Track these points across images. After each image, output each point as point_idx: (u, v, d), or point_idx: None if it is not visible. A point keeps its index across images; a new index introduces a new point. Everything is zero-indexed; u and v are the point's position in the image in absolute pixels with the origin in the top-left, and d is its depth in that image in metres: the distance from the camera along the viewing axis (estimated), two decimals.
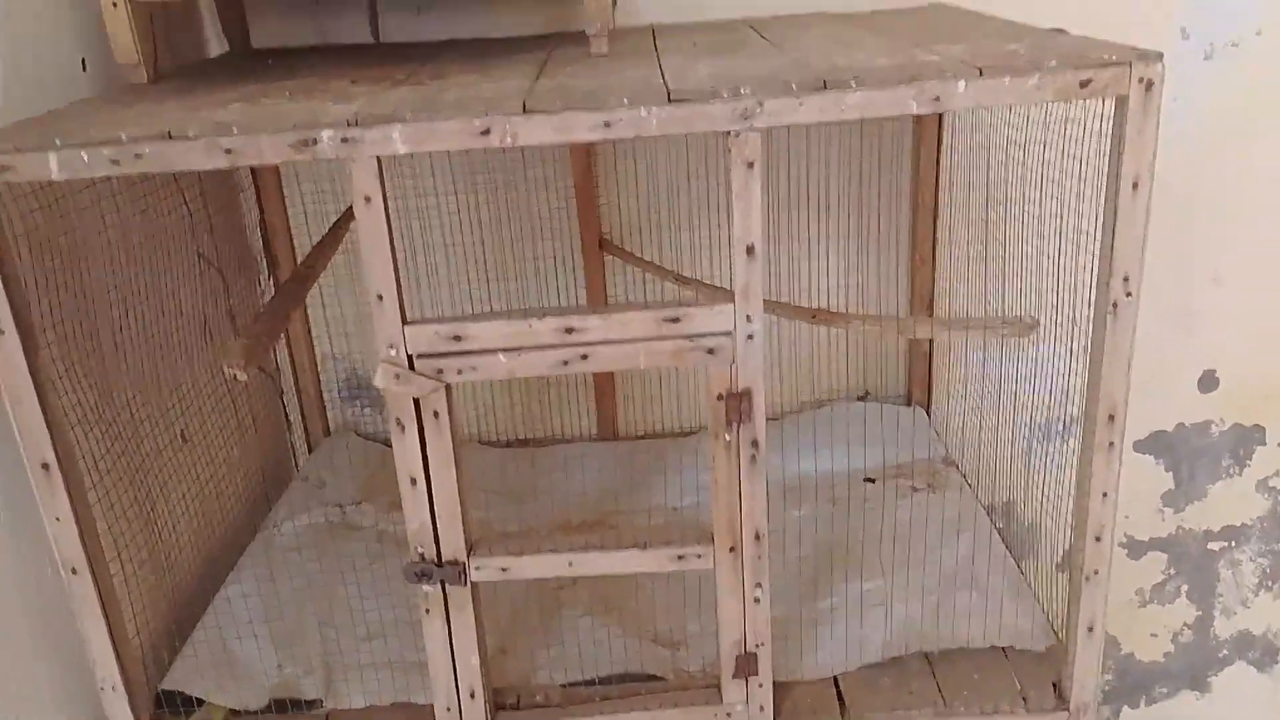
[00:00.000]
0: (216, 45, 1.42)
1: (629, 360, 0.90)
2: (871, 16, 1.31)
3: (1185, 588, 1.79)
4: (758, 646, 1.00)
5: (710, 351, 0.89)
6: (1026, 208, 1.25)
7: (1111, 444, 0.93)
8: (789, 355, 1.61)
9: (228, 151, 0.81)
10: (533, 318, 0.89)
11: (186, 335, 1.27)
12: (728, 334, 0.89)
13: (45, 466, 0.89)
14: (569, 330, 0.88)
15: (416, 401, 0.90)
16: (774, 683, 1.04)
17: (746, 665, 1.01)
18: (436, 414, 0.90)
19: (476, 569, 0.96)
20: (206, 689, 1.08)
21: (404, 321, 0.88)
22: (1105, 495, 0.95)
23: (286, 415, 1.58)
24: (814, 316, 1.18)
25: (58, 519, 0.91)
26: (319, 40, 1.44)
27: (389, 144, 0.82)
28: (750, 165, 0.84)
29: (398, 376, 0.88)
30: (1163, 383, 1.64)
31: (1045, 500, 1.27)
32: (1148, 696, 1.87)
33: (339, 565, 1.25)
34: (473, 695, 1.00)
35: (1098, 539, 0.96)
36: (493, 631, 1.07)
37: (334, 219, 1.35)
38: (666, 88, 0.84)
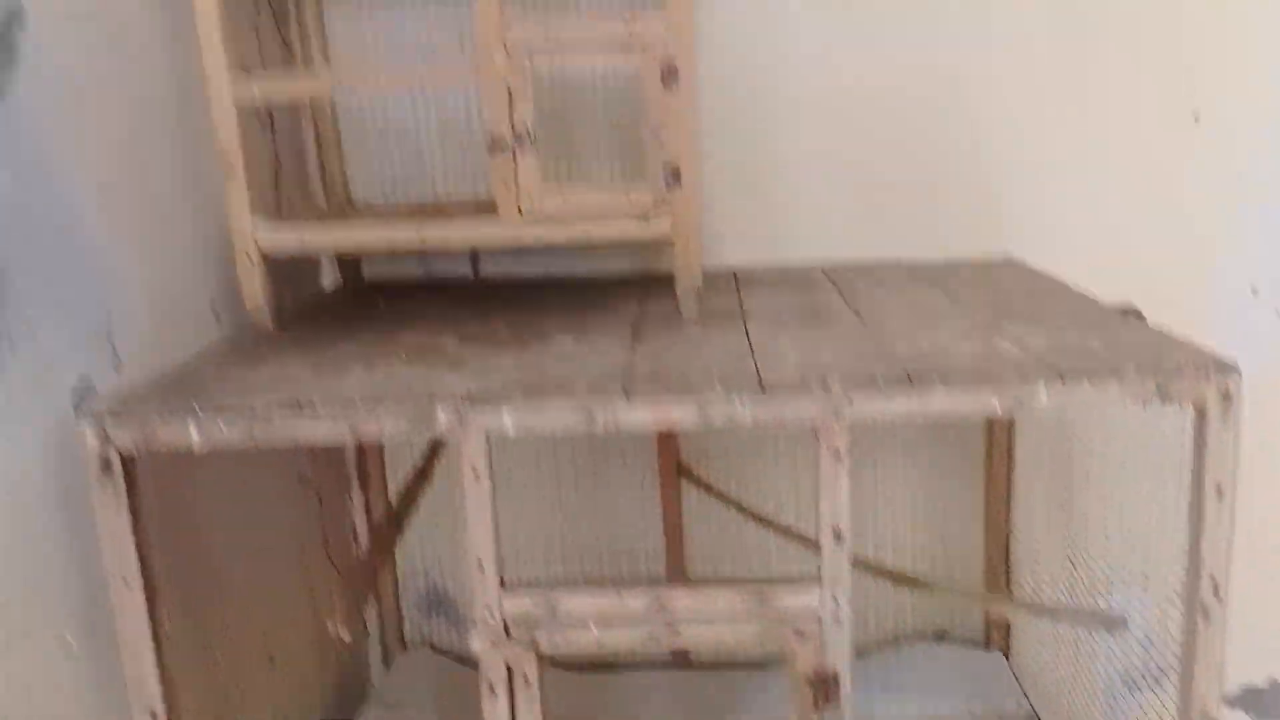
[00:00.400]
0: (330, 275, 1.52)
1: (716, 638, 0.92)
2: (945, 274, 1.37)
3: None
4: None
5: (798, 633, 0.91)
6: (1105, 484, 1.26)
7: None
8: (866, 588, 1.60)
9: (352, 427, 0.88)
10: (623, 589, 0.92)
11: (282, 553, 1.32)
12: (816, 616, 0.91)
13: (152, 715, 0.93)
14: (658, 605, 0.91)
15: (510, 666, 0.92)
16: None
17: None
18: (527, 679, 0.92)
19: None
20: None
21: (501, 586, 0.92)
22: None
23: (365, 627, 1.60)
24: (895, 580, 1.19)
25: None
26: (423, 273, 1.54)
27: (499, 423, 0.88)
28: (838, 454, 0.87)
29: (494, 643, 0.91)
30: (1257, 633, 1.60)
31: None
32: None
33: None
34: None
35: None
36: None
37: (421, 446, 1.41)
38: (759, 375, 0.90)
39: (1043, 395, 0.85)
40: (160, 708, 0.92)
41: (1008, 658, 1.56)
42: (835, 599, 0.90)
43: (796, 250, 1.51)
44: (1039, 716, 1.43)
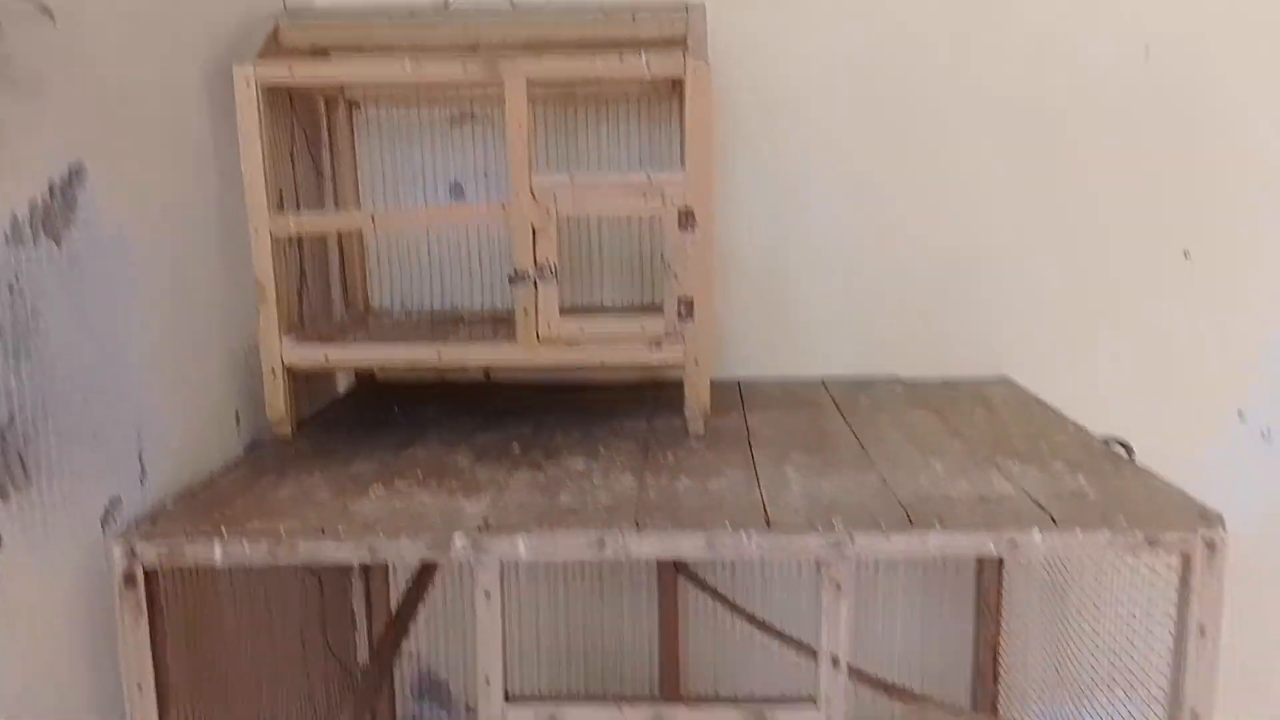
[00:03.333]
0: (344, 380, 1.57)
1: None
2: (942, 394, 1.42)
3: None
4: None
5: None
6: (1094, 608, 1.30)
7: None
8: (861, 698, 1.63)
9: (372, 550, 0.92)
10: (624, 704, 0.95)
11: (286, 648, 1.34)
12: None
13: None
14: (657, 718, 0.94)
15: None
16: None
17: None
18: None
19: None
20: None
21: (506, 699, 0.95)
22: None
23: (350, 690, 1.62)
24: (890, 693, 1.22)
25: None
26: (435, 376, 1.58)
27: (514, 552, 0.92)
28: (839, 588, 0.91)
29: None
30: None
31: None
32: None
33: None
34: None
35: None
36: None
37: None
38: (765, 511, 0.94)
39: (1037, 541, 0.90)
40: None
41: None
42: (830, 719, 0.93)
43: (796, 367, 1.57)
44: None
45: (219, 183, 1.19)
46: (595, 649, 1.63)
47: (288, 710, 1.33)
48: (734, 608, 1.50)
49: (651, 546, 0.92)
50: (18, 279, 0.83)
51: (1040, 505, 0.94)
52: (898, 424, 1.26)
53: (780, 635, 1.42)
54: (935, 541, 0.90)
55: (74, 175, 0.90)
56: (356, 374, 1.56)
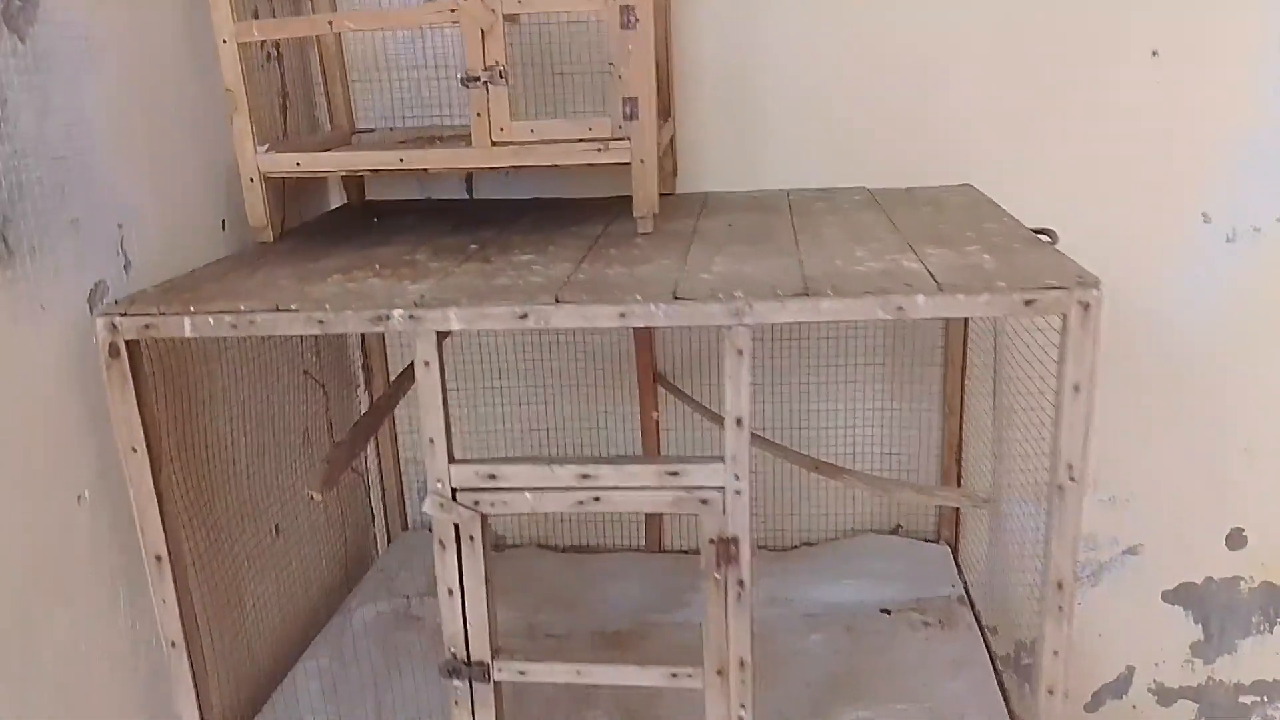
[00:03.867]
0: (338, 197, 1.67)
1: (635, 505, 1.06)
2: (901, 200, 1.46)
3: None
4: None
5: (704, 502, 1.05)
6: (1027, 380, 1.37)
7: (1061, 608, 1.04)
8: (830, 487, 1.74)
9: (320, 323, 1.02)
10: (555, 464, 1.06)
11: (288, 440, 1.49)
12: (719, 489, 1.04)
13: (158, 559, 1.10)
14: (584, 476, 1.06)
15: (456, 526, 1.08)
16: None
17: None
18: (472, 538, 1.08)
19: (499, 670, 1.13)
20: None
21: (450, 461, 1.07)
22: (1056, 653, 1.05)
23: (371, 510, 1.78)
24: (816, 468, 1.32)
25: (164, 601, 1.12)
26: (422, 195, 1.67)
27: (446, 322, 1.02)
28: (740, 353, 1.00)
29: (442, 505, 1.07)
30: (1190, 539, 1.71)
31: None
32: None
33: (398, 654, 1.44)
34: None
35: (1050, 691, 1.06)
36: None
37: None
38: (675, 286, 1.02)
39: (921, 303, 0.97)
40: (164, 552, 1.09)
41: (955, 551, 1.69)
42: (736, 475, 1.03)
43: (768, 179, 1.62)
44: (971, 601, 1.56)
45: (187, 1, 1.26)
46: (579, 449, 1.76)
47: (284, 494, 1.48)
48: (704, 409, 1.60)
49: (569, 318, 1.01)
50: None
51: (933, 276, 1.01)
52: (842, 223, 1.32)
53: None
54: (827, 306, 0.98)
55: None
56: (348, 194, 1.65)
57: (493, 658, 1.13)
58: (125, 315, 1.04)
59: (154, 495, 1.09)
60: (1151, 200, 1.56)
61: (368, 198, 1.67)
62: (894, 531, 1.76)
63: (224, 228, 1.35)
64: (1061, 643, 1.05)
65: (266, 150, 1.31)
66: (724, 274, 1.07)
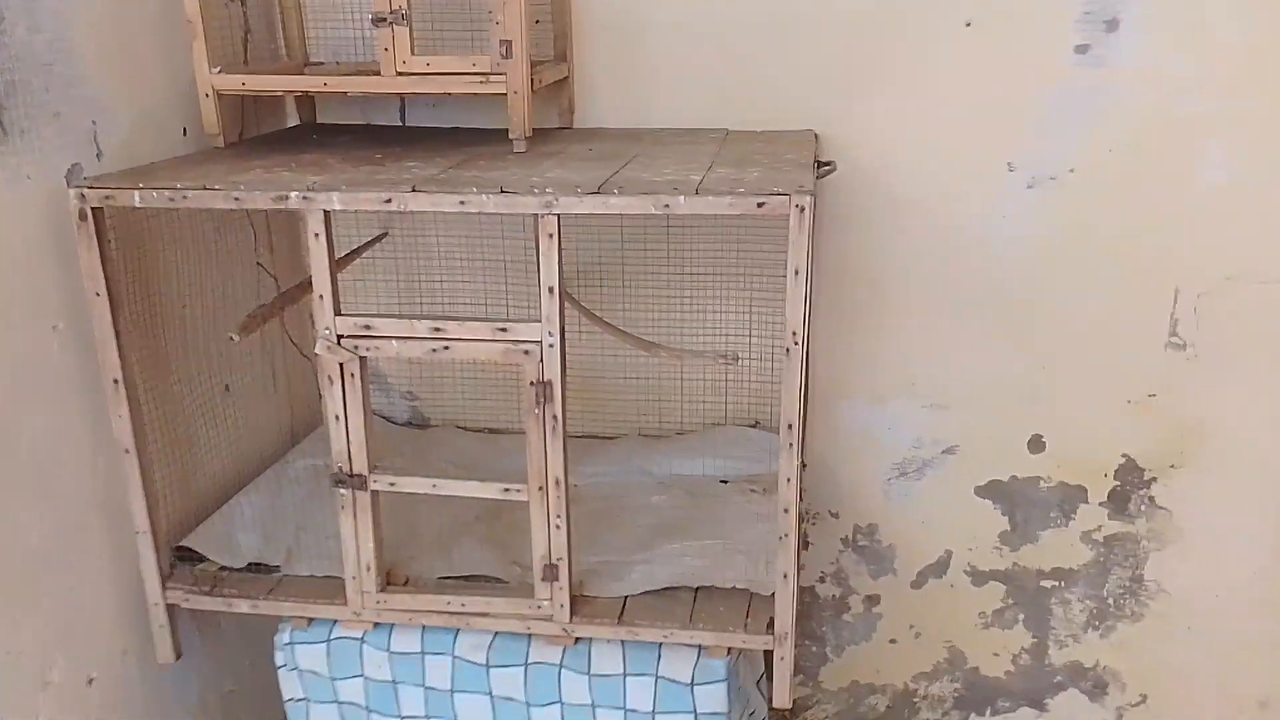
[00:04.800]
0: (295, 120, 1.99)
1: (474, 354, 1.39)
2: (748, 136, 1.76)
3: (1022, 617, 2.14)
4: (558, 560, 1.46)
5: (526, 353, 1.37)
6: None
7: (790, 444, 1.35)
8: (701, 384, 2.05)
9: (236, 199, 1.35)
10: (415, 319, 1.39)
11: (239, 317, 1.82)
12: (537, 342, 1.37)
13: (115, 381, 1.44)
14: (436, 330, 1.38)
15: (341, 365, 1.41)
16: (581, 596, 1.50)
17: (551, 573, 1.47)
18: (353, 375, 1.41)
19: (374, 481, 1.46)
20: (208, 550, 1.62)
21: (336, 313, 1.39)
22: (789, 480, 1.37)
23: (317, 386, 2.12)
24: (631, 342, 1.64)
25: (119, 416, 1.46)
26: (364, 121, 1.99)
27: (330, 203, 1.34)
28: (550, 236, 1.32)
29: (329, 348, 1.40)
30: (998, 442, 2.02)
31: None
32: (992, 708, 2.21)
33: (320, 495, 1.77)
34: (369, 569, 1.50)
35: (785, 511, 1.38)
36: (401, 535, 1.57)
37: (355, 244, 1.89)
38: (503, 184, 1.34)
39: (681, 203, 1.28)
40: (120, 376, 1.43)
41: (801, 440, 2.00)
42: (550, 332, 1.35)
43: (657, 118, 1.92)
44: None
45: None
46: None
47: (234, 361, 1.81)
48: (591, 316, 1.92)
49: (421, 203, 1.33)
50: None
51: (700, 184, 1.32)
52: (678, 152, 1.61)
53: (624, 335, 1.84)
54: (613, 202, 1.29)
55: None
56: (300, 115, 1.98)
57: (369, 471, 1.46)
58: (91, 189, 1.37)
59: (113, 331, 1.43)
60: (967, 151, 1.84)
61: (318, 120, 1.99)
62: (754, 425, 2.07)
63: (185, 134, 1.68)
64: (791, 471, 1.37)
65: (219, 72, 1.63)
66: (554, 179, 1.38)
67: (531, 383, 1.38)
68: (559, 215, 1.31)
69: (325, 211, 1.35)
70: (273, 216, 1.92)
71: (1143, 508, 2.02)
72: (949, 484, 2.05)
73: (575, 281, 1.97)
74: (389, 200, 1.33)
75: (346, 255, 1.84)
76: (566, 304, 1.83)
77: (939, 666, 2.20)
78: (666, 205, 1.29)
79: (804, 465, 2.03)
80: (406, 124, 1.99)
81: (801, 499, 2.05)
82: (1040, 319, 1.92)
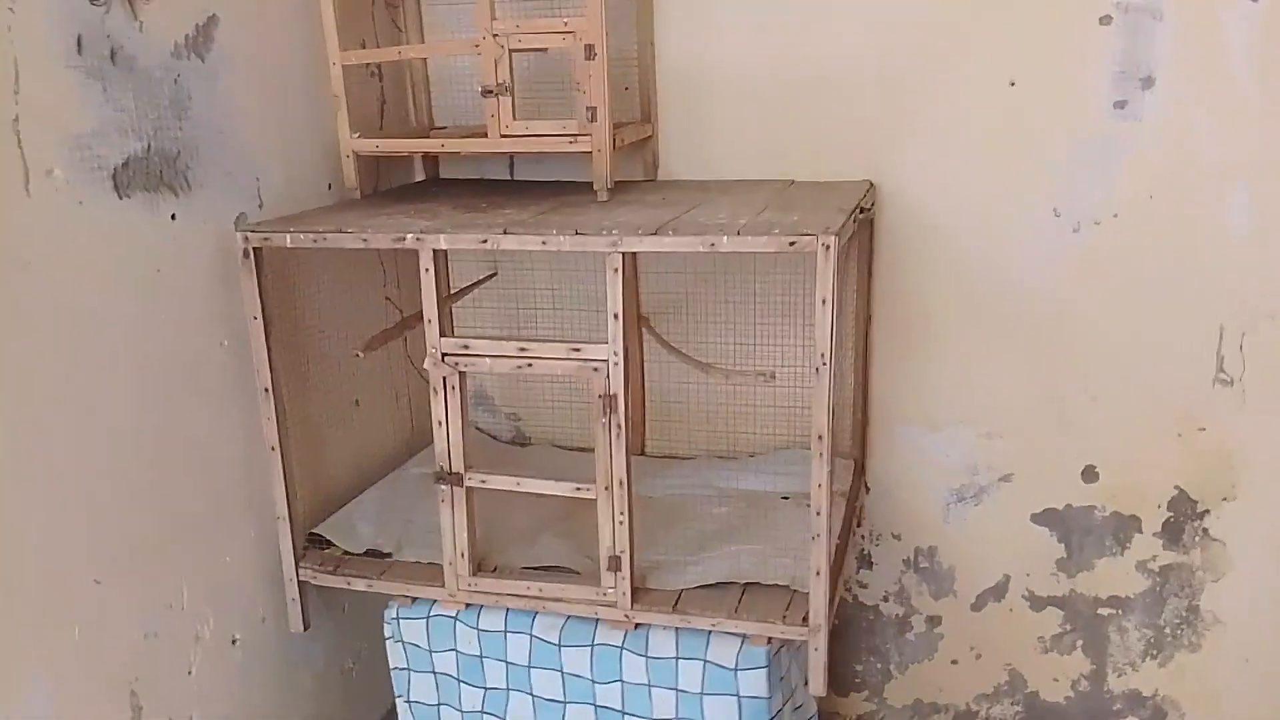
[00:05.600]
0: (421, 174, 2.32)
1: (552, 370, 1.64)
2: (809, 186, 1.98)
3: (1080, 643, 2.23)
4: (621, 552, 1.68)
5: (595, 370, 1.62)
6: None
7: (821, 454, 1.55)
8: (773, 411, 2.25)
9: (364, 240, 1.65)
10: (504, 340, 1.65)
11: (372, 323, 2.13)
12: (605, 360, 1.61)
13: (266, 390, 1.76)
14: (522, 349, 1.64)
15: (444, 378, 1.68)
16: (643, 588, 1.72)
17: (615, 563, 1.69)
18: (454, 387, 1.68)
19: (469, 479, 1.72)
20: (334, 537, 1.91)
21: (441, 335, 1.67)
22: (820, 485, 1.56)
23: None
24: (698, 366, 1.86)
25: (268, 419, 1.77)
26: (479, 175, 2.30)
27: (438, 243, 1.62)
28: (616, 270, 1.56)
29: (435, 364, 1.68)
30: (1052, 471, 2.14)
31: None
32: None
33: (431, 497, 2.05)
34: (463, 556, 1.76)
35: (818, 513, 1.57)
36: (494, 530, 1.83)
37: (466, 283, 2.18)
38: (577, 227, 1.59)
39: (725, 242, 1.51)
40: (270, 385, 1.74)
41: (860, 464, 2.18)
42: (615, 352, 1.59)
43: (734, 171, 2.16)
44: (850, 496, 2.05)
45: (310, 31, 1.92)
46: None
47: (363, 378, 2.12)
48: (665, 343, 2.16)
49: (511, 243, 1.60)
50: (178, 77, 1.59)
51: (744, 226, 1.54)
52: (739, 199, 1.84)
53: (692, 360, 2.07)
54: (667, 242, 1.53)
55: (210, 20, 1.65)
56: (427, 171, 2.30)
57: (465, 470, 1.73)
58: (253, 231, 1.69)
59: (265, 349, 1.74)
60: (1015, 198, 2.01)
61: (441, 175, 2.31)
62: None
63: (329, 188, 2.01)
64: (823, 477, 1.56)
65: (357, 136, 1.96)
66: (623, 222, 1.63)
67: (599, 395, 1.62)
68: (623, 253, 1.56)
69: (434, 250, 1.64)
70: (399, 256, 2.24)
71: (1196, 539, 2.10)
72: (1006, 510, 2.18)
73: (663, 313, 2.21)
74: (485, 240, 1.61)
75: (460, 290, 2.15)
76: (645, 331, 2.09)
77: (1000, 689, 2.30)
78: (712, 244, 1.52)
79: (868, 489, 2.23)
80: (515, 177, 2.29)
81: (863, 521, 2.24)
82: (1090, 354, 2.05)
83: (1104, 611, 2.20)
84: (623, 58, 2.12)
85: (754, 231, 1.51)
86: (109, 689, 1.54)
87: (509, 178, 2.29)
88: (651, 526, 1.93)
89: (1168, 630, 2.17)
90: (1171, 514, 2.10)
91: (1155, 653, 2.19)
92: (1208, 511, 2.08)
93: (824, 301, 1.50)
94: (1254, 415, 2.00)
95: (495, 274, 2.30)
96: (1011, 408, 2.12)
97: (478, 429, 2.44)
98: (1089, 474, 2.12)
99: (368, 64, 2.08)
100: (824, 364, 1.52)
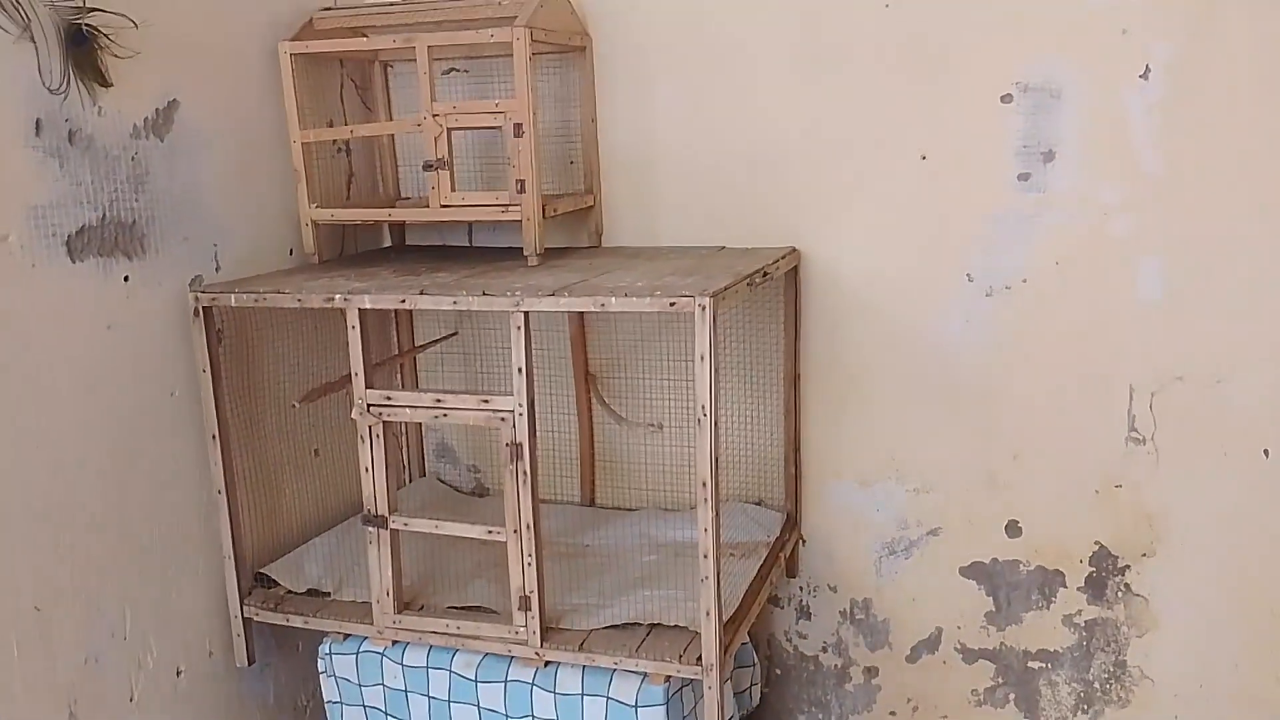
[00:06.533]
0: (388, 240, 2.49)
1: (465, 419, 1.77)
2: (735, 252, 2.11)
3: (1013, 696, 2.27)
4: (530, 592, 1.79)
5: (502, 419, 1.75)
6: None
7: (706, 500, 1.65)
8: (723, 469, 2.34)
9: (299, 300, 1.81)
10: (422, 392, 1.79)
11: (331, 396, 2.29)
12: (511, 411, 1.74)
13: (213, 436, 1.92)
14: (438, 400, 1.78)
15: (370, 427, 1.82)
16: (555, 627, 1.82)
17: (525, 603, 1.80)
18: (378, 435, 1.82)
19: (393, 522, 1.85)
20: (279, 577, 2.05)
21: (366, 387, 1.82)
22: (705, 530, 1.66)
23: (401, 458, 2.56)
24: (619, 420, 1.98)
25: (215, 463, 1.93)
26: (441, 241, 2.46)
27: (362, 303, 1.78)
28: (519, 328, 1.70)
29: (360, 413, 1.82)
30: (977, 525, 2.21)
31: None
32: None
33: None
34: (388, 594, 1.88)
35: (705, 556, 1.67)
36: (432, 572, 1.95)
37: (431, 338, 2.34)
38: (485, 289, 1.73)
39: (613, 303, 1.64)
40: (216, 432, 1.90)
41: (793, 518, 2.26)
42: (520, 404, 1.72)
43: (671, 237, 2.29)
44: (772, 545, 2.14)
45: (276, 108, 2.12)
46: None
47: (324, 430, 2.27)
48: (602, 402, 2.28)
49: (425, 303, 1.75)
50: (135, 155, 1.78)
51: (639, 288, 1.67)
52: (660, 265, 1.97)
53: (619, 416, 2.19)
54: (564, 302, 1.67)
55: (171, 105, 1.85)
56: (391, 237, 2.47)
57: (390, 513, 1.86)
58: (203, 292, 1.87)
59: (213, 398, 1.91)
60: (930, 263, 2.12)
61: (407, 242, 2.49)
62: (758, 503, 2.35)
63: (291, 253, 2.19)
64: (708, 522, 1.66)
65: (315, 207, 2.14)
66: (533, 284, 1.77)
67: (506, 444, 1.75)
68: (525, 312, 1.70)
69: (359, 310, 1.79)
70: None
71: (1120, 594, 2.14)
72: (935, 563, 2.25)
73: (607, 370, 2.34)
74: (403, 300, 1.76)
75: (419, 346, 2.30)
76: (590, 388, 2.21)
77: None
78: (603, 304, 1.65)
79: (803, 540, 2.31)
80: (473, 244, 2.45)
81: (799, 574, 2.32)
82: (1007, 413, 2.13)
83: (1034, 665, 2.24)
84: (567, 133, 2.29)
85: (639, 294, 1.64)
86: (48, 707, 1.68)
87: (468, 244, 2.46)
88: (582, 574, 2.04)
89: (1096, 685, 2.20)
90: (1094, 569, 2.15)
91: (1086, 708, 2.22)
92: (1128, 567, 2.13)
93: (701, 358, 1.61)
94: (1167, 473, 2.06)
95: (455, 334, 2.45)
96: (938, 464, 2.20)
97: (440, 480, 2.58)
98: (1012, 529, 2.18)
99: (334, 139, 2.27)
100: (704, 415, 1.63)
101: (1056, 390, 2.09)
